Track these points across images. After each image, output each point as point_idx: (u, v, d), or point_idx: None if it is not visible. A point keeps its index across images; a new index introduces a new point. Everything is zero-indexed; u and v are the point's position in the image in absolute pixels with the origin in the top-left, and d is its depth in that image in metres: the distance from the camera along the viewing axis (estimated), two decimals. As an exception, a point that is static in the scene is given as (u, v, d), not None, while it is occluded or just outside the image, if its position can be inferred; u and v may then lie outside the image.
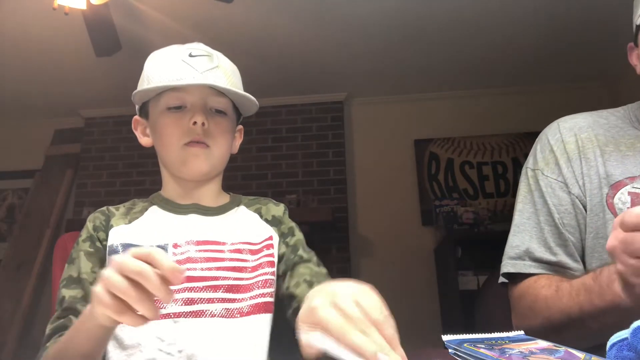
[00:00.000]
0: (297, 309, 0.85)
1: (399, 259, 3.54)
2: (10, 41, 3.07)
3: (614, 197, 0.90)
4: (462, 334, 0.62)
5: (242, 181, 3.72)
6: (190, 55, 0.95)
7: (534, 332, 0.70)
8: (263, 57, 3.26)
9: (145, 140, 1.03)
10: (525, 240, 0.97)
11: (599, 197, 0.92)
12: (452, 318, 3.12)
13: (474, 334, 0.63)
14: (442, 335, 0.59)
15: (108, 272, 0.61)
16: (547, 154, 1.01)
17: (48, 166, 4.04)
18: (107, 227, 0.96)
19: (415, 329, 3.37)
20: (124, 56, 2.70)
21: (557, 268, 0.94)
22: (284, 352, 0.93)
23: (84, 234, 0.96)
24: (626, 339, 0.56)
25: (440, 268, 3.44)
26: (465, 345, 0.58)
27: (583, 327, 0.81)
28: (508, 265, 0.98)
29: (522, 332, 0.67)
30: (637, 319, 0.78)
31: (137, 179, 3.86)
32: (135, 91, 0.98)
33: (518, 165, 3.71)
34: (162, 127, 0.97)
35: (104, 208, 1.01)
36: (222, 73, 0.96)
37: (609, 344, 0.59)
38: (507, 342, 0.62)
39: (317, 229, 3.40)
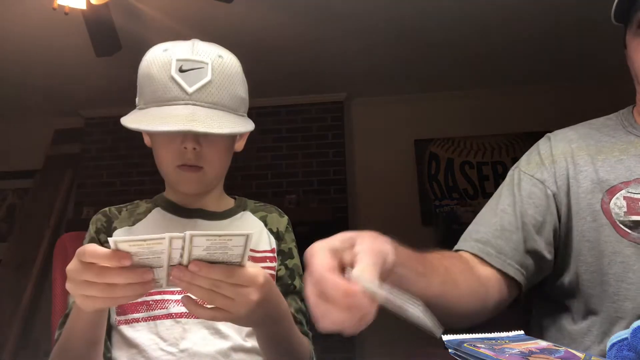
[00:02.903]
0: None
1: (399, 259, 3.53)
2: (11, 41, 3.07)
3: (609, 202, 0.91)
4: (462, 334, 0.62)
5: (242, 181, 3.72)
6: (181, 70, 0.88)
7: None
8: (263, 57, 3.26)
9: (147, 140, 1.01)
10: (478, 223, 0.99)
11: (586, 201, 0.93)
12: (452, 318, 3.11)
13: (474, 334, 0.63)
14: (442, 335, 0.59)
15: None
16: (532, 156, 1.03)
17: (48, 166, 4.04)
18: (108, 229, 0.95)
19: (415, 329, 3.38)
20: (124, 56, 2.70)
21: (485, 249, 0.93)
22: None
23: (87, 237, 0.96)
24: (626, 339, 0.56)
25: (440, 268, 3.43)
26: (465, 345, 0.58)
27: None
28: (457, 244, 0.99)
29: (522, 332, 0.67)
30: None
31: (137, 179, 3.86)
32: (123, 119, 0.90)
33: (518, 165, 3.71)
34: (155, 147, 0.94)
35: (106, 209, 1.00)
36: (217, 88, 0.88)
37: (609, 344, 0.59)
38: (507, 342, 0.62)
39: (317, 229, 3.38)
